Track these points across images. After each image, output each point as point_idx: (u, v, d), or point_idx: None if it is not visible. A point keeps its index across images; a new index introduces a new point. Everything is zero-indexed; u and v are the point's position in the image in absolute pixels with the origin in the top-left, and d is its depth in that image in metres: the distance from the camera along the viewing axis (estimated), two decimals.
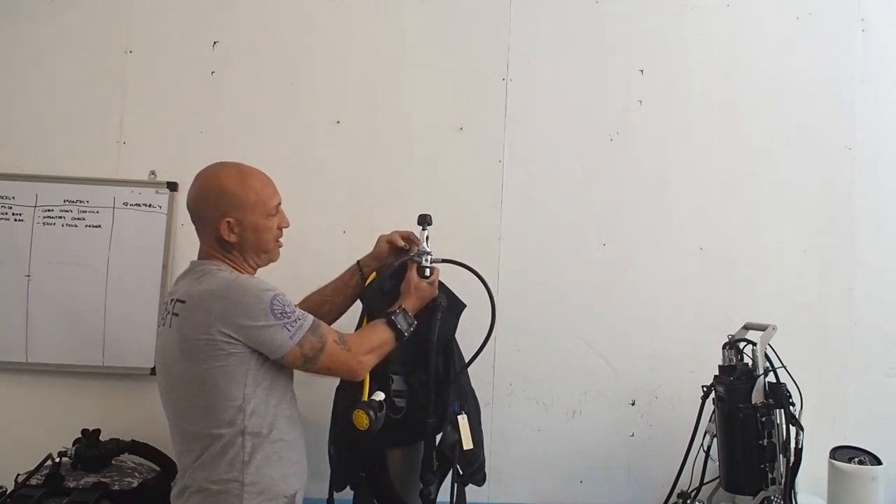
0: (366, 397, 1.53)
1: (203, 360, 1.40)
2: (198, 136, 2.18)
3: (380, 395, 1.53)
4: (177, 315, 1.43)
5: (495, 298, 1.70)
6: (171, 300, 1.48)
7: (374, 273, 1.76)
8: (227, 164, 1.55)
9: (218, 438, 1.42)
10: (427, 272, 1.69)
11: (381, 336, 1.58)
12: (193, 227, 1.56)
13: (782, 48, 2.33)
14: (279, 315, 1.42)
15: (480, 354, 1.70)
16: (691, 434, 1.95)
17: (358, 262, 1.82)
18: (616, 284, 2.24)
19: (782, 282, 2.27)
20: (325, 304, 1.79)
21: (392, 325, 1.59)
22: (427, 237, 1.72)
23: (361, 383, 1.55)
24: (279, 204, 1.57)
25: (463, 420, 1.65)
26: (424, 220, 1.72)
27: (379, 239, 1.80)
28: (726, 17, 2.32)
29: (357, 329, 1.67)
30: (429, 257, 1.70)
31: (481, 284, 1.69)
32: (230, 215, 1.48)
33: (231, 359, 1.40)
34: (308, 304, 1.76)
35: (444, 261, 1.71)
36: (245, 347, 1.41)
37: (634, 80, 2.29)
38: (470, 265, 1.70)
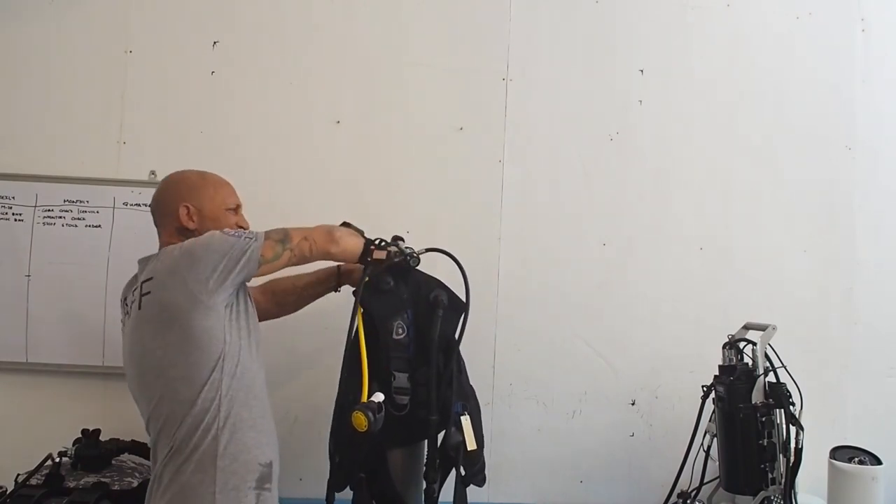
0: (365, 398, 1.52)
1: (184, 322, 1.42)
2: (198, 136, 2.17)
3: (379, 397, 1.52)
4: (147, 293, 1.45)
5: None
6: (134, 288, 1.51)
7: (367, 278, 1.74)
8: (189, 169, 1.64)
9: (194, 405, 1.42)
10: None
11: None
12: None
13: (782, 48, 2.33)
14: (235, 235, 1.48)
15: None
16: (691, 434, 1.95)
17: (338, 266, 1.83)
18: (616, 284, 2.24)
19: (782, 282, 2.27)
20: (292, 295, 1.83)
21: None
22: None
23: (361, 384, 1.54)
24: (239, 207, 1.63)
25: (466, 421, 1.65)
26: (398, 238, 1.76)
27: None
28: (727, 17, 2.32)
29: (350, 338, 1.62)
30: (408, 249, 1.72)
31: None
32: (187, 202, 1.56)
33: (210, 314, 1.43)
34: (276, 286, 1.81)
35: (427, 250, 1.73)
36: (222, 295, 1.43)
37: (634, 80, 2.28)
38: (448, 251, 1.71)
